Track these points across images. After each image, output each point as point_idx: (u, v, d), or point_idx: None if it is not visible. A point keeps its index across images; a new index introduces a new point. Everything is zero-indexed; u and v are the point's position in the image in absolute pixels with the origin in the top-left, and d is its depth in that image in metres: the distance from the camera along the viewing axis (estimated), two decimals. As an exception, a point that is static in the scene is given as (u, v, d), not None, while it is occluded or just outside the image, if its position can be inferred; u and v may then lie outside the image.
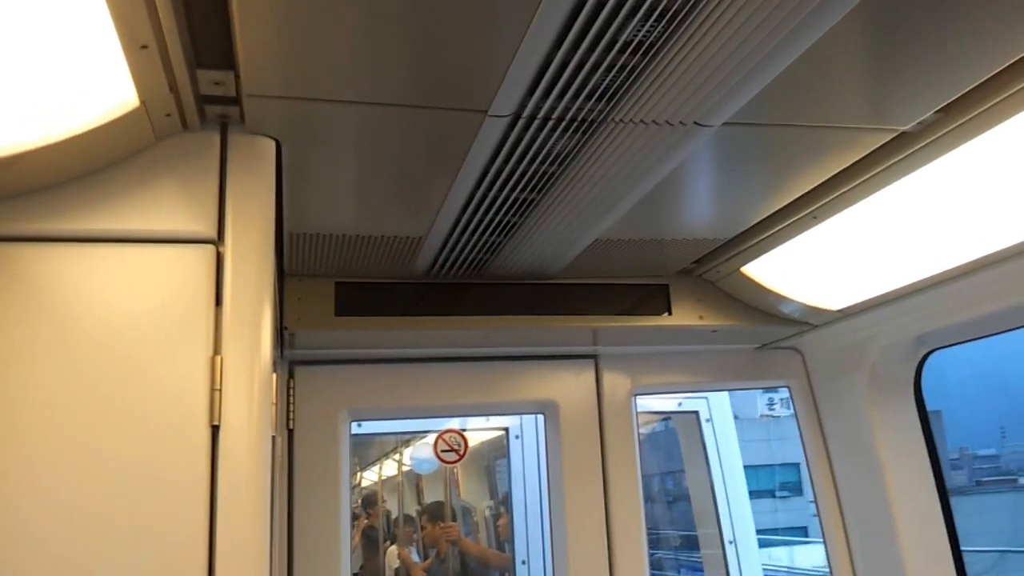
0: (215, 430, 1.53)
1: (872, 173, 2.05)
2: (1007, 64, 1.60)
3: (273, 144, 1.72)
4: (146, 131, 1.61)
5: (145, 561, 1.46)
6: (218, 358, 1.56)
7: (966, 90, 1.69)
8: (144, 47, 1.37)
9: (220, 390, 1.55)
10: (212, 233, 1.63)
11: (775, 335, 3.18)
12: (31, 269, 1.55)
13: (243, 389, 1.57)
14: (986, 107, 1.74)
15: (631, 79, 1.55)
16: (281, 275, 2.49)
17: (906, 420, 2.93)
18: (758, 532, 4.78)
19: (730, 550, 4.52)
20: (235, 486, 1.52)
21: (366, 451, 7.89)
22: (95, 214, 1.60)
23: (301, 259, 2.45)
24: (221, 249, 1.63)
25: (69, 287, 1.56)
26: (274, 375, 1.70)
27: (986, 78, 1.65)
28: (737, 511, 4.59)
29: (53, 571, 1.44)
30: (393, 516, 7.72)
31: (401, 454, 7.42)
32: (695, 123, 1.71)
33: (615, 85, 1.57)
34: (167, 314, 1.57)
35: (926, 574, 2.83)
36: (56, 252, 1.57)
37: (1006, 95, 1.69)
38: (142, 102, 1.52)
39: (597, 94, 1.60)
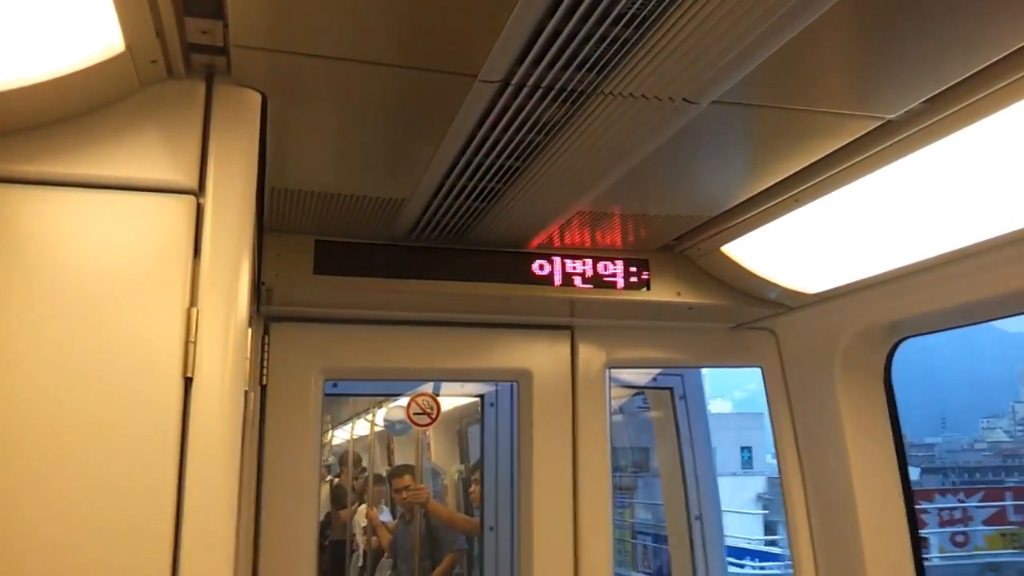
0: (188, 382, 1.53)
1: (856, 159, 2.06)
2: (997, 58, 1.61)
3: (259, 97, 1.70)
4: (130, 77, 1.58)
5: (112, 509, 1.46)
6: (194, 310, 1.56)
7: (954, 82, 1.70)
8: None
9: (194, 342, 1.54)
10: (193, 184, 1.62)
11: (751, 315, 3.21)
12: (6, 210, 1.53)
13: (218, 342, 1.56)
14: (972, 100, 1.75)
15: (622, 52, 1.55)
16: (261, 230, 2.47)
17: (874, 405, 2.97)
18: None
19: (695, 526, 4.57)
20: (206, 438, 1.52)
21: (338, 409, 7.91)
22: (75, 158, 1.58)
23: (282, 215, 2.44)
24: (201, 200, 1.62)
25: (45, 231, 1.54)
26: (249, 330, 1.70)
27: (975, 71, 1.66)
28: (705, 488, 4.64)
29: (19, 517, 1.44)
30: (364, 475, 7.75)
31: (374, 415, 7.44)
32: (684, 100, 1.70)
33: (606, 57, 1.57)
34: (144, 263, 1.56)
35: (883, 556, 2.88)
36: (33, 195, 1.55)
37: (993, 89, 1.70)
38: (128, 47, 1.49)
39: (588, 65, 1.59)
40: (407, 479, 6.01)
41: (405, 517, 6.04)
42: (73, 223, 1.56)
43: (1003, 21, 1.49)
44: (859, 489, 2.91)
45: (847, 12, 1.43)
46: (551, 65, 1.59)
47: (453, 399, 5.66)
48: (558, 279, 2.80)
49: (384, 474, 7.17)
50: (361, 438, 7.87)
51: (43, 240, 1.54)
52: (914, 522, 2.93)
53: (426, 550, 5.73)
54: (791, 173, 2.20)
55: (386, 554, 6.33)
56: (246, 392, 1.67)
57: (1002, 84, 1.68)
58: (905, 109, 1.83)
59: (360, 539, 6.77)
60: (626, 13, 1.43)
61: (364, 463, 7.88)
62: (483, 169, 2.09)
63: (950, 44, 1.57)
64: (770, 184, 2.29)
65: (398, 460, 7.24)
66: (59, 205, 1.56)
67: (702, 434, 4.75)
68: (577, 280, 2.82)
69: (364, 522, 6.86)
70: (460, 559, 5.62)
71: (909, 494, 2.94)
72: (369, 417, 7.45)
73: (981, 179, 2.04)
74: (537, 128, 1.87)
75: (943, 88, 1.73)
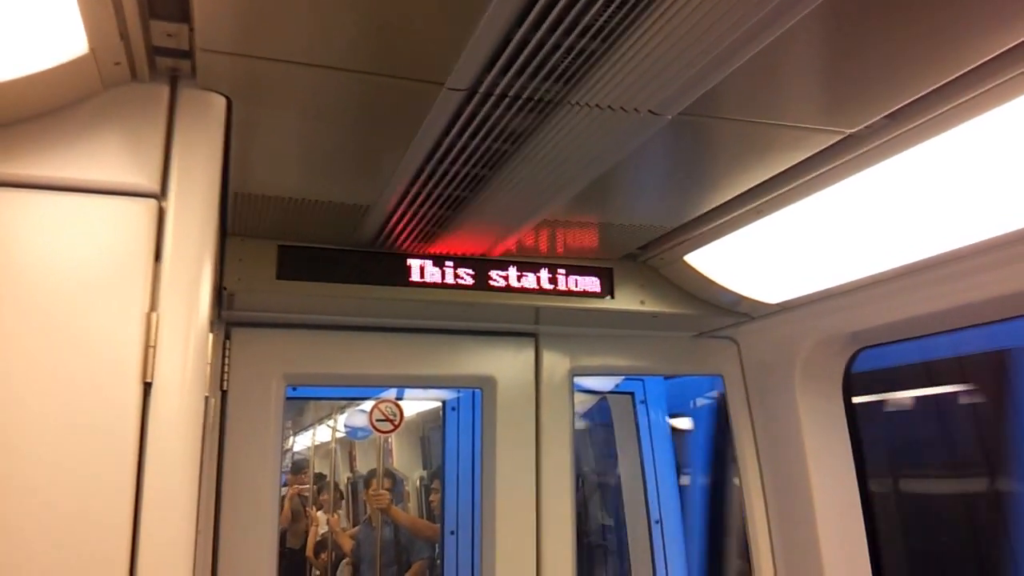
0: (147, 387, 1.51)
1: (817, 172, 2.09)
2: (955, 75, 1.64)
3: (223, 101, 1.69)
4: (93, 79, 1.57)
5: (70, 514, 1.44)
6: (154, 314, 1.54)
7: (914, 98, 1.74)
8: None
9: (154, 347, 1.53)
10: (155, 187, 1.60)
11: (713, 324, 3.24)
12: None
13: (178, 347, 1.55)
14: (931, 116, 1.79)
15: (589, 63, 1.56)
16: (223, 234, 2.45)
17: (834, 414, 3.01)
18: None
19: (655, 529, 4.61)
20: (165, 443, 1.51)
21: (300, 414, 7.85)
22: (36, 160, 1.56)
23: (245, 219, 2.42)
24: (163, 204, 1.60)
25: (4, 233, 1.51)
26: (210, 335, 1.68)
27: (934, 87, 1.69)
28: (665, 492, 4.68)
29: None
30: (325, 480, 7.70)
31: (335, 420, 7.40)
32: (649, 111, 1.72)
33: (573, 68, 1.58)
34: (104, 267, 1.54)
35: (842, 563, 2.92)
36: None
37: (952, 105, 1.74)
38: (91, 49, 1.48)
39: (555, 75, 1.60)
40: (386, 482, 5.97)
41: (370, 523, 6.01)
42: (33, 225, 1.53)
43: (961, 39, 1.53)
44: (818, 496, 2.95)
45: (811, 28, 1.46)
46: (519, 74, 1.59)
47: (416, 403, 5.65)
48: (522, 286, 2.80)
49: (346, 480, 7.13)
50: (322, 444, 7.82)
51: (1, 242, 1.51)
52: (873, 530, 2.97)
53: (391, 556, 5.71)
54: (754, 185, 2.23)
55: (346, 559, 6.29)
56: (206, 397, 1.65)
57: (960, 100, 1.72)
58: (866, 124, 1.86)
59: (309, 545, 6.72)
60: (593, 25, 1.44)
61: (318, 470, 7.81)
62: (449, 176, 2.09)
63: (911, 61, 1.60)
64: (733, 196, 2.32)
65: (360, 466, 7.19)
66: (19, 207, 1.53)
67: (663, 438, 4.80)
68: (540, 287, 2.82)
69: (324, 528, 6.81)
70: (428, 566, 5.61)
71: (868, 501, 2.98)
72: (331, 423, 7.41)
73: (939, 193, 2.08)
74: (504, 137, 1.88)
75: (903, 104, 1.76)
